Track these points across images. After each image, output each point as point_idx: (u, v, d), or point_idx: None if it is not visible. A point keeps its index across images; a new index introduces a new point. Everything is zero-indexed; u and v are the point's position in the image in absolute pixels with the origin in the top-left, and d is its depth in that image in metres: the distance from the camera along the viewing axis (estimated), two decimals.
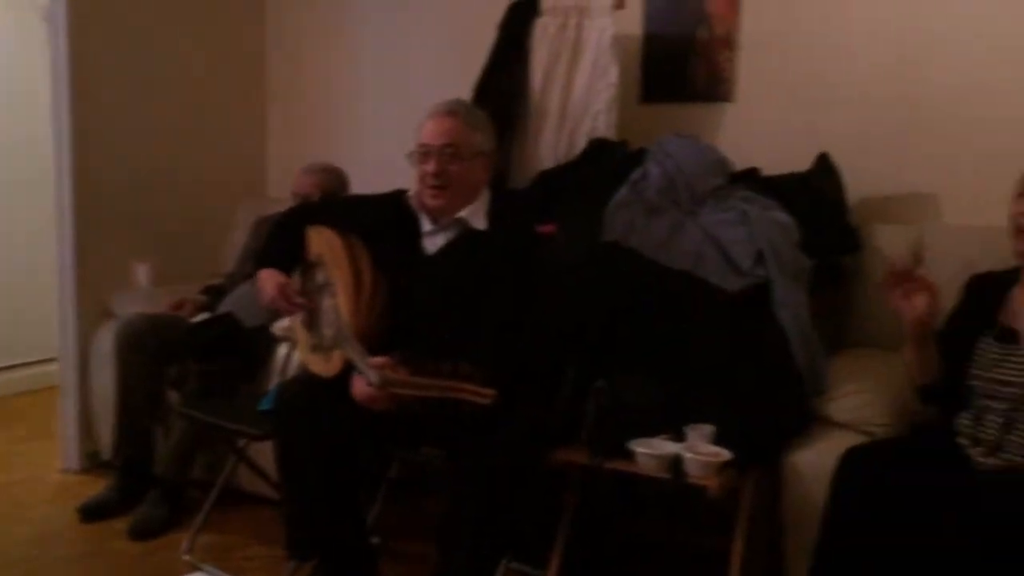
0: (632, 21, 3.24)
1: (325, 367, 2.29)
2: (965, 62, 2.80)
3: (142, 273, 3.73)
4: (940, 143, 2.84)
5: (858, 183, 2.81)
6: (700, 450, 2.20)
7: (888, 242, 2.75)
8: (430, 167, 2.35)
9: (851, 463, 2.04)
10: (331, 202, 3.02)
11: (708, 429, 2.26)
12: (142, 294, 3.61)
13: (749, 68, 3.13)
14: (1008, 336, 2.03)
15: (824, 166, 2.81)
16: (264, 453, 2.84)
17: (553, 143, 3.17)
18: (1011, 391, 1.97)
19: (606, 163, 2.97)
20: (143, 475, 3.09)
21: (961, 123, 2.81)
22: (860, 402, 2.36)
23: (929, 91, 2.85)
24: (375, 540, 2.70)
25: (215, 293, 3.37)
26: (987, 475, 1.91)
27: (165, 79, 3.77)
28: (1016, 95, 2.73)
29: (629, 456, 2.22)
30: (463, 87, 3.13)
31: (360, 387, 2.15)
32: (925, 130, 2.86)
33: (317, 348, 2.35)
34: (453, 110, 2.42)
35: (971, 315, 2.17)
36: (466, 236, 2.39)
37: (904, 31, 2.89)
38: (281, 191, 4.02)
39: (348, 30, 3.99)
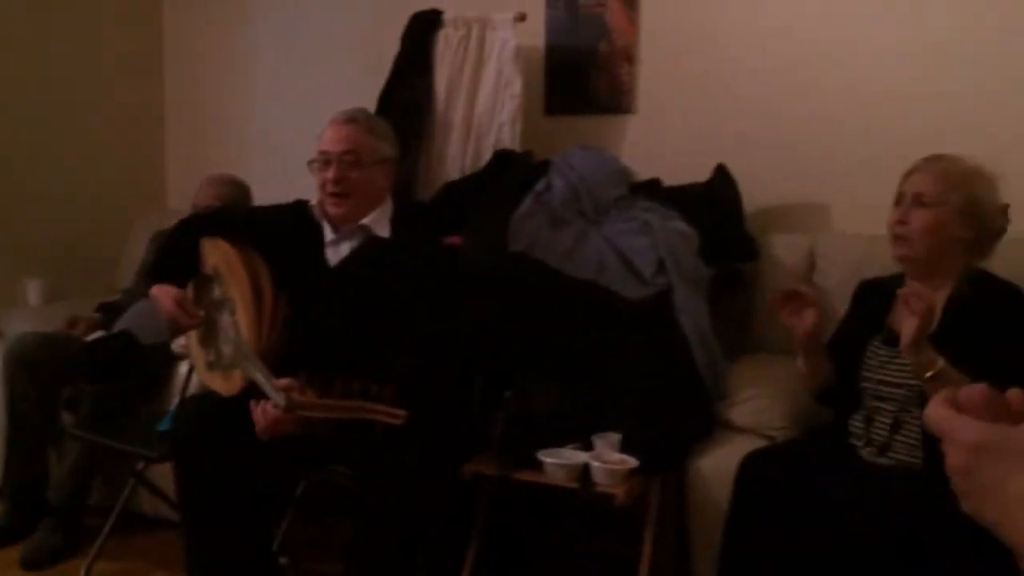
0: (534, 33, 3.27)
1: (225, 385, 2.23)
2: (854, 76, 2.91)
3: (33, 290, 3.59)
4: (831, 154, 2.94)
5: (754, 193, 2.90)
6: (607, 458, 2.22)
7: (783, 250, 2.83)
8: (330, 174, 2.34)
9: (751, 467, 2.09)
10: (227, 213, 2.95)
11: (615, 437, 2.29)
12: (33, 312, 3.46)
13: (649, 81, 3.20)
14: (895, 339, 2.10)
15: (722, 176, 2.88)
16: (165, 475, 2.76)
17: (459, 154, 3.18)
18: (898, 392, 2.05)
19: (511, 174, 2.99)
20: (36, 502, 2.96)
21: (850, 135, 2.92)
22: (760, 406, 2.42)
23: (821, 104, 2.95)
24: (283, 560, 2.65)
25: (111, 310, 3.26)
26: (872, 474, 1.98)
27: (55, 84, 3.64)
28: (901, 106, 2.84)
29: (538, 466, 2.24)
30: (367, 97, 3.11)
31: (263, 412, 2.08)
32: (816, 142, 2.96)
33: (214, 366, 2.29)
34: (353, 117, 2.41)
35: (860, 320, 2.25)
36: (370, 244, 2.37)
37: (798, 44, 2.98)
38: (182, 203, 3.91)
39: (248, 38, 3.93)
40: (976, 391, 0.63)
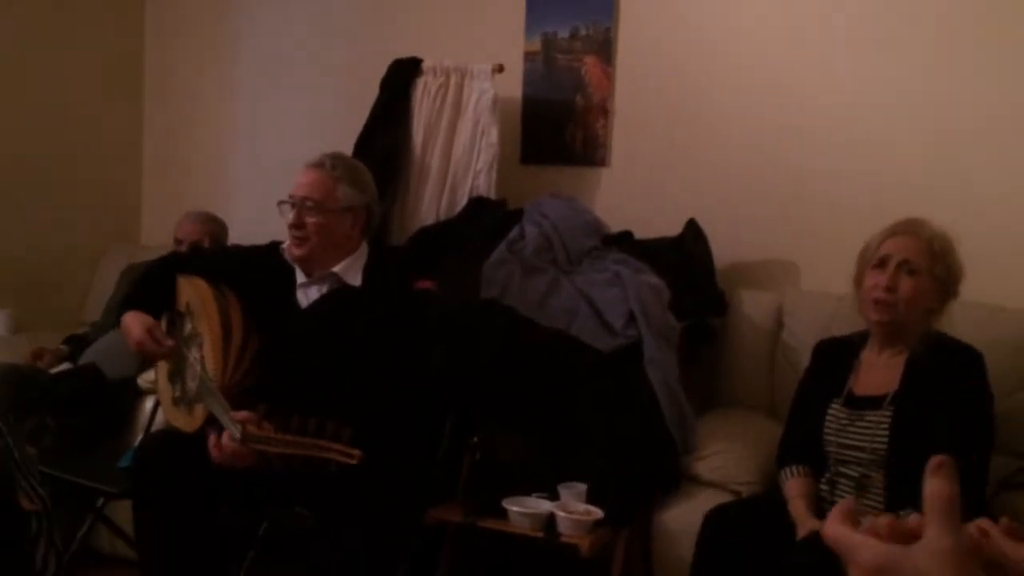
0: (512, 85, 3.31)
1: (187, 421, 2.22)
2: (825, 136, 2.96)
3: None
4: (800, 213, 2.98)
5: (724, 249, 2.93)
6: (572, 509, 2.23)
7: (752, 307, 2.87)
8: (289, 218, 2.37)
9: (715, 522, 2.10)
10: (204, 251, 2.96)
11: (581, 487, 2.29)
12: None
13: (623, 135, 3.24)
14: (855, 401, 2.12)
15: (693, 231, 2.92)
16: (126, 512, 2.72)
17: (434, 200, 3.20)
18: (860, 455, 2.06)
19: (485, 221, 3.02)
20: None
21: (820, 194, 2.95)
22: (727, 461, 2.44)
23: (792, 163, 2.99)
24: None
25: (78, 343, 3.23)
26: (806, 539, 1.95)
27: (31, 110, 3.62)
28: (871, 169, 2.89)
29: (503, 514, 2.23)
30: (346, 141, 3.13)
31: (219, 444, 2.07)
32: (787, 200, 3.00)
33: (179, 401, 2.28)
34: (320, 163, 2.43)
35: (820, 381, 2.25)
36: (339, 291, 2.38)
37: (773, 105, 3.02)
38: (155, 237, 3.91)
39: (230, 75, 3.94)
40: (882, 525, 0.62)
